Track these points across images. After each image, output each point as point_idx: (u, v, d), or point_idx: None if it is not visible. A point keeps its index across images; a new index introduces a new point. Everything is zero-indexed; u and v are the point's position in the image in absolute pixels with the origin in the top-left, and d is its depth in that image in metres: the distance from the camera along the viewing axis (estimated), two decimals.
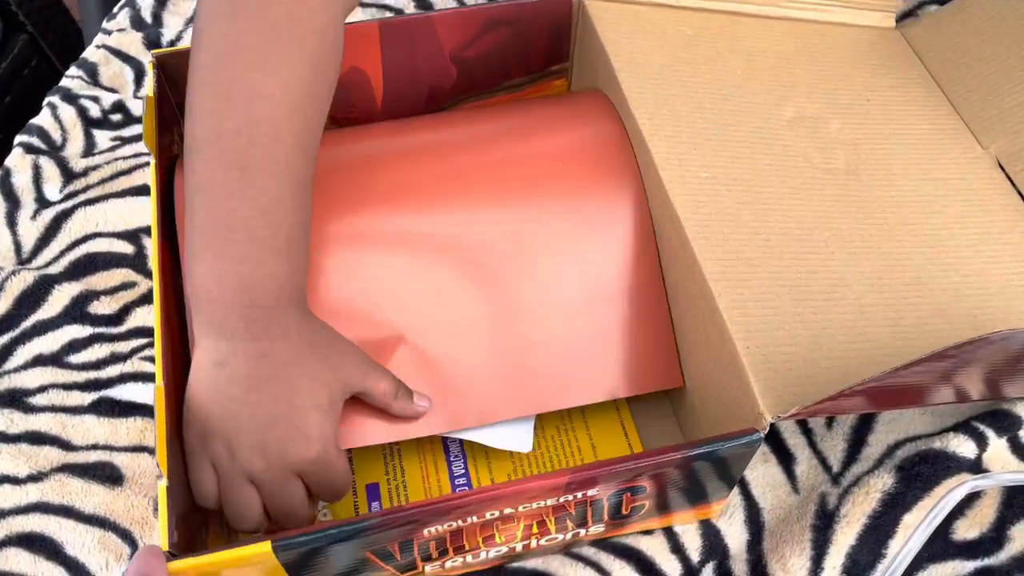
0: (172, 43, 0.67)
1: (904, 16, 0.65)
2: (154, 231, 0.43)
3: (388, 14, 0.68)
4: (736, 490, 0.45)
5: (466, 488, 0.45)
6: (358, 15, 0.66)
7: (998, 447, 0.45)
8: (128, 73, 0.66)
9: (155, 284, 0.42)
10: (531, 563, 0.44)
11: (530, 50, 0.56)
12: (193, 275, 0.38)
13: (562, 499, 0.38)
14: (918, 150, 0.55)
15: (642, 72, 0.51)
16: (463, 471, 0.45)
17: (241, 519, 0.39)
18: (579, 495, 0.38)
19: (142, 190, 0.58)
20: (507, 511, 0.37)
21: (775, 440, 0.47)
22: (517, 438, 0.45)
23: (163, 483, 0.35)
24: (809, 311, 0.43)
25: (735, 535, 0.44)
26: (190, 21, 0.68)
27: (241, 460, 0.38)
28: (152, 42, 0.66)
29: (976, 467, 0.44)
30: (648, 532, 0.44)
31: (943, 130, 0.57)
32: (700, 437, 0.45)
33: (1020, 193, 0.54)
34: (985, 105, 0.58)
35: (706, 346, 0.43)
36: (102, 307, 0.53)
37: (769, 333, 0.41)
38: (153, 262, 0.43)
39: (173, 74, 0.50)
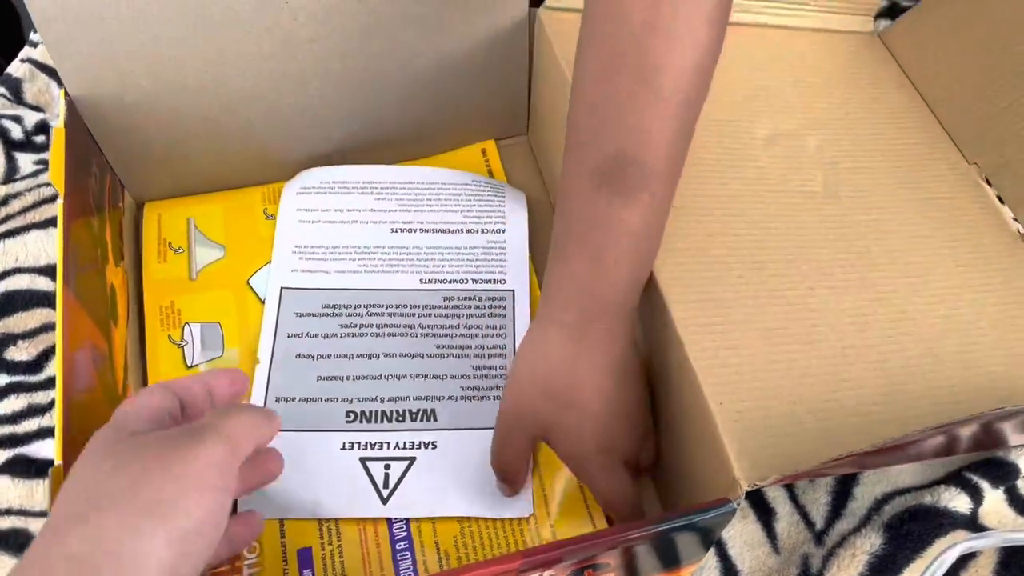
0: None
1: (882, 14, 0.61)
2: (59, 280, 0.38)
3: None
4: (712, 550, 0.41)
5: (408, 552, 0.41)
6: None
7: (994, 500, 0.42)
8: (55, 89, 0.61)
9: (58, 339, 0.37)
10: None
11: None
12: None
13: None
14: (901, 167, 0.51)
15: None
16: (404, 533, 0.41)
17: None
18: None
19: None
20: None
21: (754, 494, 0.43)
22: (516, 504, 0.42)
23: None
24: (787, 357, 0.39)
25: None
26: None
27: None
28: None
29: (971, 523, 0.41)
30: None
31: (926, 144, 0.54)
32: (674, 497, 0.41)
33: (1009, 211, 0.50)
34: (968, 113, 0.54)
35: (678, 400, 0.39)
36: (20, 353, 0.48)
37: (744, 385, 0.37)
38: (57, 314, 0.38)
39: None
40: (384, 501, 0.41)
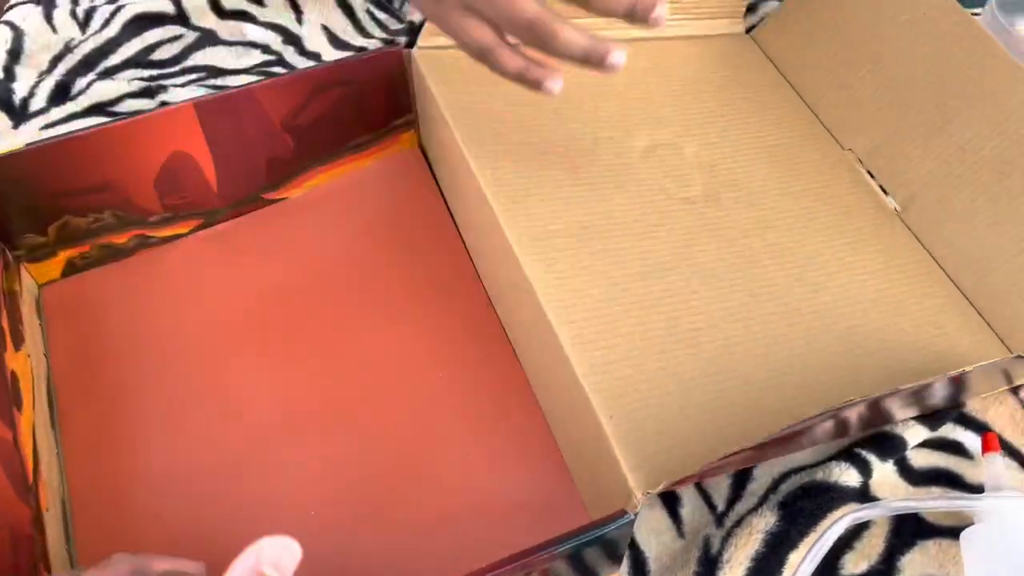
0: (24, 100, 0.61)
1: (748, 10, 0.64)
2: None
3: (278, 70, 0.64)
4: None
5: None
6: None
7: (884, 472, 0.44)
8: None
9: None
10: None
11: (369, 108, 0.54)
12: None
13: None
14: (777, 162, 0.54)
15: (480, 123, 0.49)
16: None
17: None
18: None
19: None
20: None
21: None
22: None
23: None
24: (675, 362, 0.41)
25: None
26: (43, 74, 0.62)
27: None
28: (2, 99, 0.61)
29: (863, 495, 0.43)
30: None
31: (801, 136, 0.56)
32: (587, 508, 0.43)
33: (884, 191, 0.53)
34: (839, 102, 0.57)
35: (573, 417, 0.41)
36: None
37: (634, 395, 0.39)
38: None
39: None
40: None
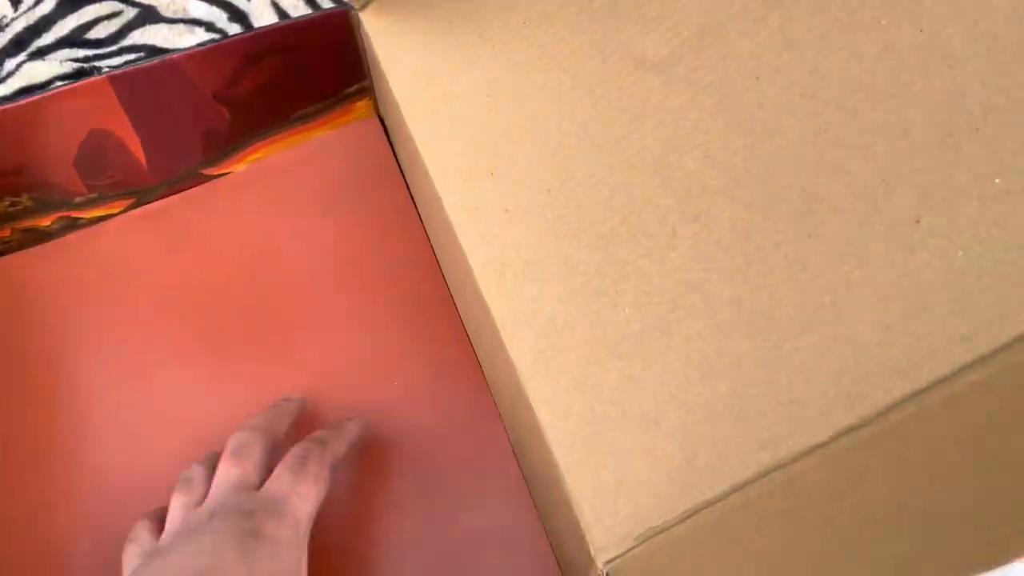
0: None
1: None
2: None
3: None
4: None
5: None
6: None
7: None
8: None
9: None
10: None
11: (315, 75, 0.48)
12: None
13: None
14: None
15: (433, 85, 0.42)
16: None
17: None
18: None
19: None
20: None
21: None
22: None
23: None
24: (642, 363, 0.32)
25: None
26: None
27: None
28: None
29: None
30: None
31: None
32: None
33: None
34: None
35: (540, 462, 0.35)
36: None
37: (606, 427, 0.32)
38: None
39: None
40: None
